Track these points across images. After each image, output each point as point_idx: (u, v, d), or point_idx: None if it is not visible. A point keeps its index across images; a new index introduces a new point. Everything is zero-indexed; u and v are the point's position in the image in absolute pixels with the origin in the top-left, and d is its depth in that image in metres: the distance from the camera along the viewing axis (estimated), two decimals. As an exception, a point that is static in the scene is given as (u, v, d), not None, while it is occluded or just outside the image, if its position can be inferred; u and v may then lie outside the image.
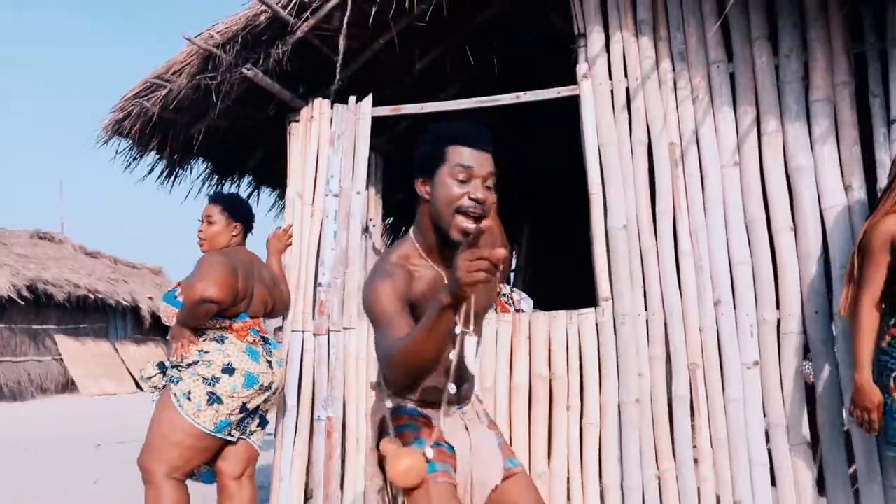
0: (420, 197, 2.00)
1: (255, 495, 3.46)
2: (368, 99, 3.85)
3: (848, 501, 3.06)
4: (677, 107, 3.41)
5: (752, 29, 3.33)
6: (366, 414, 3.59)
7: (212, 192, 4.22)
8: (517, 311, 3.94)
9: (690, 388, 3.26)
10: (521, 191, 6.52)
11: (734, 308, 3.25)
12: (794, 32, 3.28)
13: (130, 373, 16.60)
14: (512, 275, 7.66)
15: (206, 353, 3.27)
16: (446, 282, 1.58)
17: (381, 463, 1.99)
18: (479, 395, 2.21)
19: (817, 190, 3.19)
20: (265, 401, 3.39)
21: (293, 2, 3.38)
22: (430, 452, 1.92)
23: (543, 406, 3.43)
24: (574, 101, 3.59)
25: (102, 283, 16.96)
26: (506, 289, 3.93)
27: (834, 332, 3.12)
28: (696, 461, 3.23)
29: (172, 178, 4.25)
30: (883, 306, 2.76)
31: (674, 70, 3.43)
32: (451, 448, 1.99)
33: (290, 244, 3.85)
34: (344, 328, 3.71)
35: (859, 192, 3.14)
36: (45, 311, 15.33)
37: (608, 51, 3.53)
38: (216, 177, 4.51)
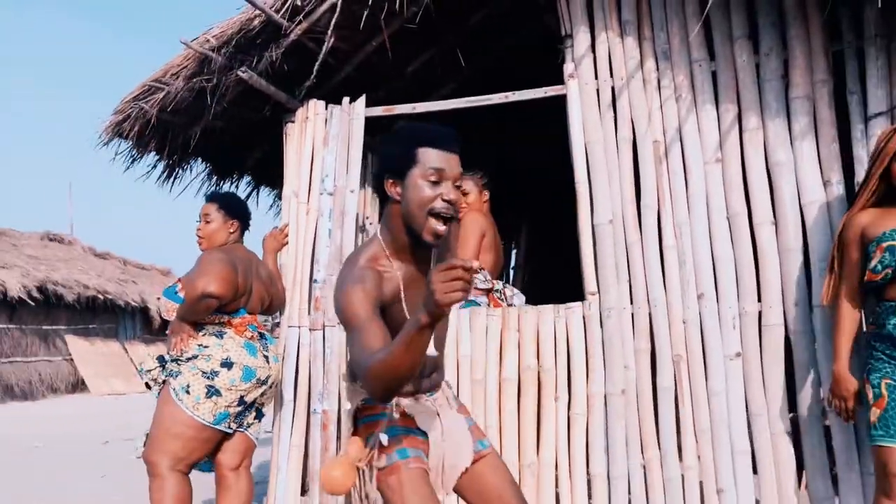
0: (389, 197, 2.02)
1: (251, 485, 3.56)
2: (362, 100, 3.94)
3: (826, 488, 3.13)
4: (661, 105, 3.49)
5: (733, 28, 3.41)
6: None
7: (209, 192, 4.32)
8: (509, 306, 4.01)
9: (675, 380, 3.34)
10: (519, 189, 6.60)
11: (717, 301, 3.33)
12: (773, 31, 3.35)
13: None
14: (511, 272, 7.74)
15: (206, 347, 3.37)
16: (427, 289, 1.57)
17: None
18: (447, 381, 2.28)
19: (797, 185, 3.26)
20: (262, 394, 3.49)
21: (286, 5, 3.48)
22: (384, 439, 1.98)
23: (532, 397, 3.52)
24: (563, 101, 3.68)
25: (112, 283, 17.14)
26: (498, 284, 4.00)
27: (813, 324, 3.19)
28: (680, 450, 3.31)
29: (172, 178, 4.35)
30: (866, 299, 2.83)
31: (658, 69, 3.51)
32: (424, 434, 2.07)
33: (286, 243, 3.94)
34: (339, 323, 3.80)
35: (838, 188, 3.21)
36: (55, 311, 15.50)
37: (594, 51, 3.61)
38: (215, 177, 4.62)
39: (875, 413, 2.70)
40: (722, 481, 3.22)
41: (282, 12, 3.49)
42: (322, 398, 3.75)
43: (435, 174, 1.95)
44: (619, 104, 3.54)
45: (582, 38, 3.61)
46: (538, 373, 3.52)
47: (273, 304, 3.75)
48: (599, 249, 3.50)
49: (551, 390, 3.50)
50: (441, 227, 1.95)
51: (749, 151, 3.34)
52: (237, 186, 4.80)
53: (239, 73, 3.60)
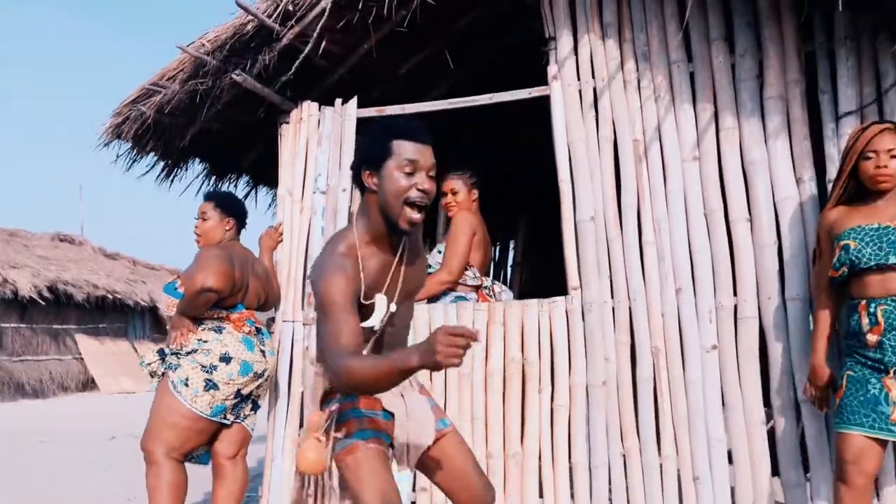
0: (367, 188, 2.14)
1: (247, 474, 3.69)
2: (353, 101, 4.05)
3: (798, 476, 3.23)
4: (641, 105, 3.59)
5: (710, 30, 3.50)
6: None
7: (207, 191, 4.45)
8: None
9: (653, 371, 3.44)
10: (516, 188, 6.67)
11: (694, 295, 3.42)
12: (748, 33, 3.45)
13: (149, 371, 16.87)
14: (510, 270, 7.84)
15: (205, 342, 3.48)
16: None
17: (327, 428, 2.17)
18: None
19: (771, 182, 3.35)
20: (258, 387, 3.61)
21: (278, 10, 3.59)
22: (335, 409, 2.11)
23: (517, 389, 3.62)
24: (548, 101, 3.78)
25: (121, 283, 17.28)
26: (487, 281, 4.10)
27: (787, 316, 3.28)
28: (658, 439, 3.41)
29: (171, 178, 4.48)
30: (843, 294, 2.91)
31: (637, 70, 3.60)
32: (389, 415, 2.19)
33: (281, 241, 4.06)
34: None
35: (810, 185, 3.31)
36: (65, 311, 15.66)
37: (576, 53, 3.70)
38: (214, 177, 4.74)
39: (835, 402, 2.81)
40: (698, 469, 3.32)
41: (274, 17, 3.60)
42: (315, 390, 3.86)
43: (409, 165, 2.07)
44: (601, 104, 3.64)
45: (565, 41, 3.71)
46: (523, 365, 3.62)
47: (269, 300, 3.87)
48: (582, 245, 3.61)
49: (535, 382, 3.60)
50: (416, 215, 2.08)
51: (725, 149, 3.43)
52: (236, 186, 4.93)
53: (233, 76, 3.72)
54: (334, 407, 2.13)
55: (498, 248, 8.16)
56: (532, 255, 7.44)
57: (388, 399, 2.18)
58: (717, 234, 3.42)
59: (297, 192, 4.06)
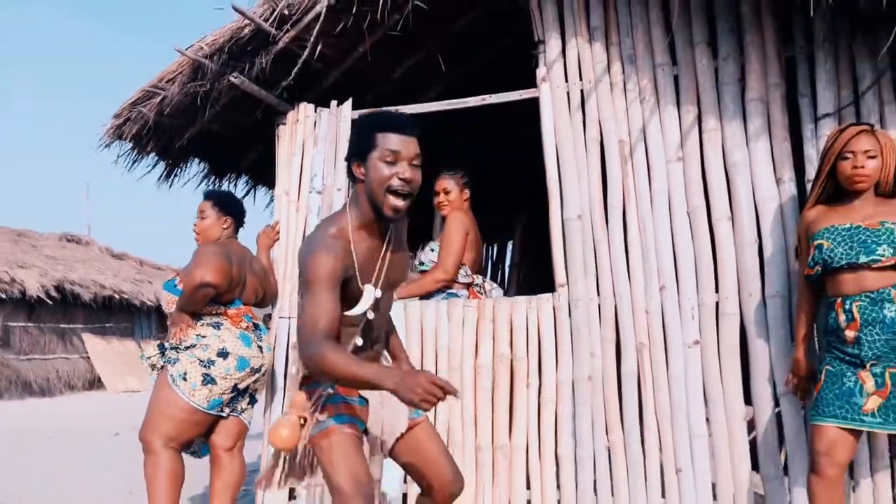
0: (356, 178, 2.28)
1: (243, 466, 3.78)
2: (348, 103, 4.15)
3: (777, 469, 3.31)
4: (627, 107, 3.67)
5: (694, 35, 3.58)
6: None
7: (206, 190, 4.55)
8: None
9: (638, 367, 3.52)
10: (513, 188, 6.75)
11: (677, 292, 3.50)
12: (731, 38, 3.53)
13: (155, 371, 17.00)
14: (507, 269, 7.91)
15: (204, 337, 3.57)
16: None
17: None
18: (386, 355, 2.50)
19: (752, 182, 3.43)
20: (255, 381, 3.71)
21: (274, 15, 3.69)
22: (325, 394, 2.21)
23: (505, 384, 3.70)
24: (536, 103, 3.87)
25: (128, 283, 17.43)
26: (478, 279, 4.18)
27: (767, 313, 3.36)
28: (642, 433, 3.49)
29: (171, 178, 4.59)
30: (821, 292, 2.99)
31: (623, 73, 3.69)
32: (364, 401, 2.28)
33: (278, 239, 4.16)
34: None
35: (790, 185, 3.39)
36: (72, 310, 15.83)
37: (564, 56, 3.79)
38: (213, 177, 4.84)
39: (813, 395, 2.90)
40: (680, 462, 3.39)
41: (270, 21, 3.70)
42: (310, 385, 3.95)
43: (391, 155, 2.19)
44: (588, 106, 3.73)
45: (553, 44, 3.80)
46: (511, 361, 3.71)
47: (266, 297, 3.96)
48: (569, 243, 3.69)
49: (523, 377, 3.68)
50: (399, 203, 2.20)
51: (708, 151, 3.52)
52: (235, 186, 5.03)
53: (231, 78, 3.83)
54: (324, 391, 2.23)
55: (496, 248, 8.25)
56: (529, 255, 7.51)
57: None
58: (699, 233, 3.50)
59: (293, 192, 4.16)
